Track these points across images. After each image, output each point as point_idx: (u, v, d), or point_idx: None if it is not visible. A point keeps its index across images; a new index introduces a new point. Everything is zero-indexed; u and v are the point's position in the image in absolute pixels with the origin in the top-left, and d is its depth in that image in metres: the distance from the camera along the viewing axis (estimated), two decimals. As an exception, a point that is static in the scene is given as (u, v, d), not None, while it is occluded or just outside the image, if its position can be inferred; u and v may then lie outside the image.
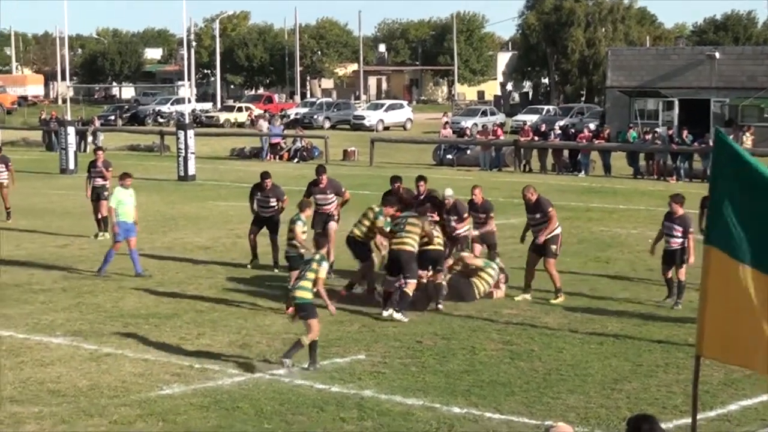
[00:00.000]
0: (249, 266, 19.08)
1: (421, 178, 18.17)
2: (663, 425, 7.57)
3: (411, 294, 15.26)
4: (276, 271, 18.65)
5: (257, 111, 72.15)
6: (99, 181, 22.95)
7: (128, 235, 18.41)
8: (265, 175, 19.18)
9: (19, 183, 34.51)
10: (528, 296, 16.41)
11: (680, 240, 15.64)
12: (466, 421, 10.69)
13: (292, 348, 12.31)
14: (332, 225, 18.51)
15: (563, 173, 39.81)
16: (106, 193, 22.65)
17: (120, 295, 16.80)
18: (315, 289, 12.41)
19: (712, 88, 52.58)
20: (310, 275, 12.39)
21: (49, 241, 22.28)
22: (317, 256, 12.61)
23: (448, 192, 17.54)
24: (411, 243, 15.46)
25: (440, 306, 15.54)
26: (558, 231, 16.42)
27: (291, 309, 14.61)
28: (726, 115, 51.47)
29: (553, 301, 16.01)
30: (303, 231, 15.74)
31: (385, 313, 15.06)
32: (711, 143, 35.59)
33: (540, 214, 16.35)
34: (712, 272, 6.63)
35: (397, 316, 14.99)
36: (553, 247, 16.28)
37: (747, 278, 6.43)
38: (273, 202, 19.00)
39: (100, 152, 24.10)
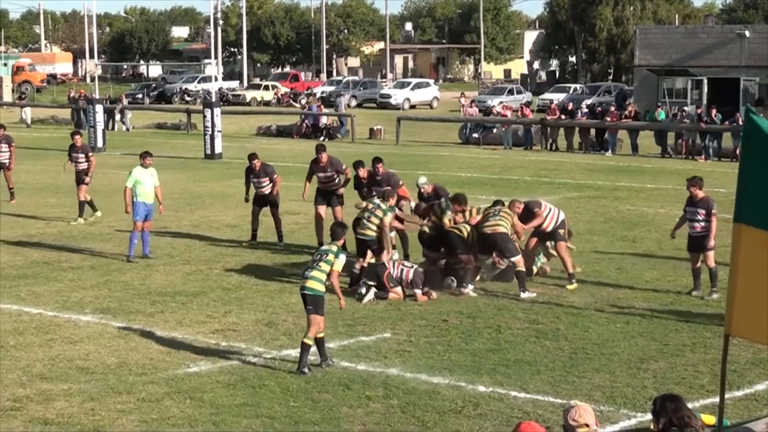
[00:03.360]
0: (244, 244, 19.28)
1: (377, 159, 18.28)
2: (689, 405, 7.55)
3: (524, 269, 15.46)
4: (281, 244, 19.16)
5: (285, 90, 72.11)
6: (81, 166, 22.31)
7: (147, 217, 18.16)
8: (252, 157, 19.50)
9: (47, 161, 34.82)
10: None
11: (704, 224, 15.12)
12: (492, 399, 10.70)
13: (302, 355, 11.51)
14: (338, 210, 18.87)
15: (590, 152, 39.64)
16: (86, 178, 22.18)
17: (147, 273, 16.91)
18: (328, 282, 11.76)
19: (741, 67, 52.12)
20: (325, 266, 11.63)
21: (78, 219, 22.39)
22: (334, 248, 11.95)
23: (422, 180, 17.58)
24: (504, 224, 15.58)
25: (464, 289, 15.47)
26: (562, 216, 16.33)
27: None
28: (756, 93, 51.03)
29: (569, 287, 15.78)
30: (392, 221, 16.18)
31: (523, 295, 15.12)
32: (741, 122, 35.34)
33: (536, 219, 16.13)
34: (743, 249, 6.59)
35: (524, 295, 15.09)
36: (561, 231, 16.12)
37: None
38: (266, 181, 19.32)
39: (77, 136, 23.21)
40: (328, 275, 11.69)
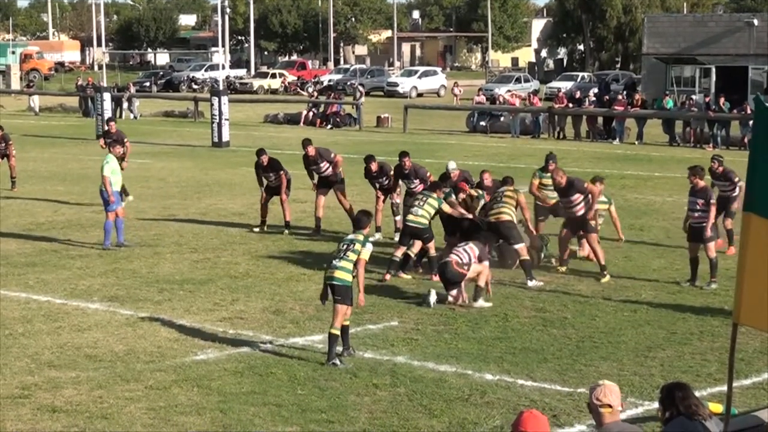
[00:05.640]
0: (256, 230, 19.46)
1: (404, 153, 18.32)
2: (697, 393, 7.54)
3: (528, 257, 15.40)
4: (286, 232, 19.21)
5: (292, 78, 71.99)
6: (117, 151, 22.81)
7: (119, 205, 18.39)
8: (260, 152, 19.61)
9: (55, 149, 34.90)
10: (564, 269, 16.14)
11: (703, 214, 15.01)
12: (499, 387, 10.71)
13: (331, 347, 11.38)
14: (341, 192, 19.20)
15: (597, 140, 39.57)
16: (123, 163, 22.64)
17: (155, 261, 16.93)
18: (355, 272, 11.55)
19: (750, 55, 51.94)
20: (352, 256, 11.48)
21: (86, 207, 22.45)
22: (360, 237, 11.66)
23: (452, 165, 17.47)
24: (508, 212, 15.54)
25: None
26: (597, 205, 16.12)
27: (388, 276, 15.27)
28: (764, 82, 50.88)
29: (603, 281, 15.47)
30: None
31: (530, 284, 15.09)
32: (749, 110, 35.23)
33: (577, 195, 15.63)
34: (752, 239, 6.57)
35: (531, 284, 15.06)
36: (593, 222, 15.82)
37: None
38: (273, 176, 19.49)
39: (112, 123, 24.12)
40: (355, 264, 11.53)
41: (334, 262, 11.60)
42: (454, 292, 14.07)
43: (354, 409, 10.08)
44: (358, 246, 11.56)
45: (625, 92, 47.12)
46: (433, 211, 15.87)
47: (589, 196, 15.66)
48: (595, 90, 49.52)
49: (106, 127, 23.75)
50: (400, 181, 18.34)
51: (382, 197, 18.70)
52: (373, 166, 18.60)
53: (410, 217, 15.86)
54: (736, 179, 17.11)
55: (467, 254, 14.17)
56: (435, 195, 16.02)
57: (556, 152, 18.50)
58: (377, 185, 18.75)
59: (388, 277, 15.53)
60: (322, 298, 11.75)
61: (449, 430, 9.61)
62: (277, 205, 19.62)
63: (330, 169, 19.22)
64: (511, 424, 6.34)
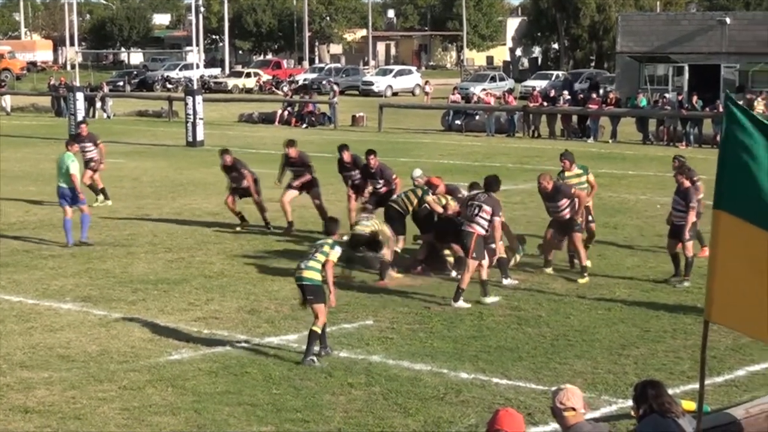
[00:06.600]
0: (238, 229, 19.44)
1: (370, 151, 18.29)
2: (670, 391, 7.58)
3: (505, 256, 15.41)
4: (269, 229, 19.30)
5: (267, 77, 71.74)
6: (89, 154, 22.60)
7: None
8: (224, 152, 19.70)
9: (28, 149, 34.66)
10: (550, 269, 16.04)
11: (683, 214, 15.16)
12: (474, 386, 10.72)
13: (309, 344, 11.41)
14: (315, 193, 19.20)
15: (572, 139, 39.70)
16: (101, 165, 22.73)
17: (129, 261, 16.85)
18: (323, 273, 11.61)
19: (722, 54, 52.24)
20: (321, 257, 11.58)
21: (58, 207, 22.23)
22: (330, 240, 11.82)
23: (417, 173, 17.18)
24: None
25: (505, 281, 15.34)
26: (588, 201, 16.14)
27: (382, 282, 15.17)
28: (736, 80, 51.19)
29: (580, 281, 15.42)
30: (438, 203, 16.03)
31: (505, 282, 15.13)
32: (721, 109, 35.46)
33: (564, 200, 15.51)
34: (721, 236, 6.61)
35: (507, 282, 15.12)
36: (580, 219, 15.76)
37: (759, 240, 6.39)
38: (236, 175, 19.50)
39: (83, 125, 24.03)
40: (324, 265, 11.57)
41: (301, 264, 11.70)
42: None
43: (329, 409, 10.08)
44: (326, 248, 11.65)
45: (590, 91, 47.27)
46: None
47: (576, 200, 15.63)
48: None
49: (78, 130, 23.58)
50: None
51: (353, 196, 18.59)
52: (346, 156, 18.56)
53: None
54: (695, 177, 17.14)
55: (485, 220, 14.18)
56: (417, 191, 16.13)
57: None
58: (349, 182, 18.67)
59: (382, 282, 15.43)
60: (303, 305, 11.75)
61: (424, 429, 9.62)
62: (250, 205, 19.55)
63: (307, 174, 19.14)
64: (486, 423, 6.36)
